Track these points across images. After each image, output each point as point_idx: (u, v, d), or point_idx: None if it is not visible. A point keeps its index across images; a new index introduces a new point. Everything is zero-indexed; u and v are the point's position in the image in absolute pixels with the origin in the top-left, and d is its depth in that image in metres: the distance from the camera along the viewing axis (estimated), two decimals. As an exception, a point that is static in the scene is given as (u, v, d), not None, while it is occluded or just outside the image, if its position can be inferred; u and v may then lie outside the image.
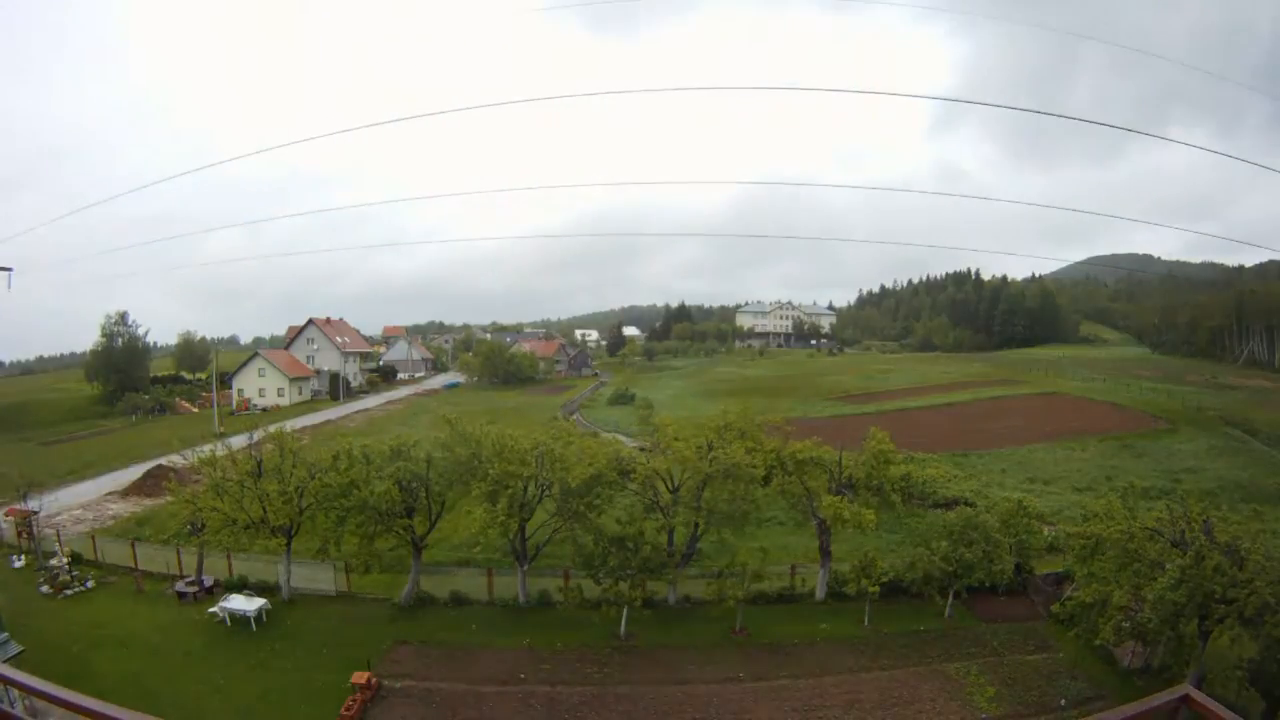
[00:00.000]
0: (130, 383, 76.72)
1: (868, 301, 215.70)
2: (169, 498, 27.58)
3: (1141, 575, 17.78)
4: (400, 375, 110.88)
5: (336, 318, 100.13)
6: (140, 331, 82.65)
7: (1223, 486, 34.81)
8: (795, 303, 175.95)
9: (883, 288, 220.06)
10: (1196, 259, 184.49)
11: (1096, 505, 21.85)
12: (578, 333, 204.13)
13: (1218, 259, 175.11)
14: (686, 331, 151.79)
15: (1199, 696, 2.51)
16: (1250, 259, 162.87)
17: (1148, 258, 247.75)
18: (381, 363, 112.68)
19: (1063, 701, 18.21)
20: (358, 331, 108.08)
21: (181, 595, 24.43)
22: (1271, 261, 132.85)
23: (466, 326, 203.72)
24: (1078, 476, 38.09)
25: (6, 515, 30.89)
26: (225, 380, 76.59)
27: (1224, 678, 16.41)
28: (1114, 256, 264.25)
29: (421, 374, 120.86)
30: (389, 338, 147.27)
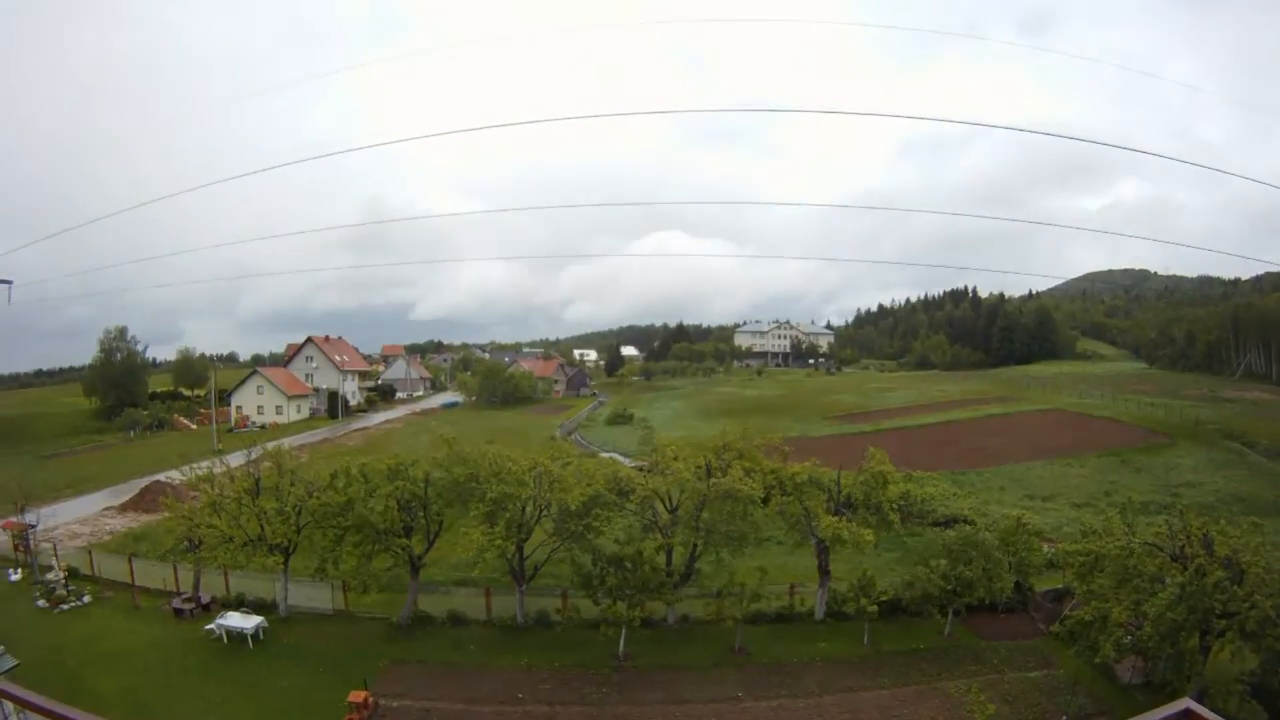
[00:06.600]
0: (128, 398, 76.60)
1: (865, 320, 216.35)
2: (166, 514, 27.56)
3: (1141, 591, 17.76)
4: (399, 394, 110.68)
5: (335, 336, 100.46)
6: (139, 347, 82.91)
7: (1222, 500, 34.80)
8: (793, 322, 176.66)
9: (880, 306, 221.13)
10: (1193, 273, 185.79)
11: (1095, 522, 21.84)
12: (576, 352, 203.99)
13: (1214, 273, 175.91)
14: (685, 351, 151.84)
15: (1200, 710, 2.52)
16: (1246, 272, 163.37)
17: (1144, 273, 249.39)
18: (380, 381, 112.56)
19: (1064, 717, 18.13)
20: (356, 350, 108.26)
21: (178, 612, 24.29)
22: (1267, 274, 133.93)
23: (465, 346, 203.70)
24: (1076, 492, 38.08)
25: (3, 529, 30.77)
26: (224, 397, 76.58)
27: (1225, 691, 16.29)
28: (1110, 273, 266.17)
29: (420, 393, 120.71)
30: (387, 357, 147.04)
